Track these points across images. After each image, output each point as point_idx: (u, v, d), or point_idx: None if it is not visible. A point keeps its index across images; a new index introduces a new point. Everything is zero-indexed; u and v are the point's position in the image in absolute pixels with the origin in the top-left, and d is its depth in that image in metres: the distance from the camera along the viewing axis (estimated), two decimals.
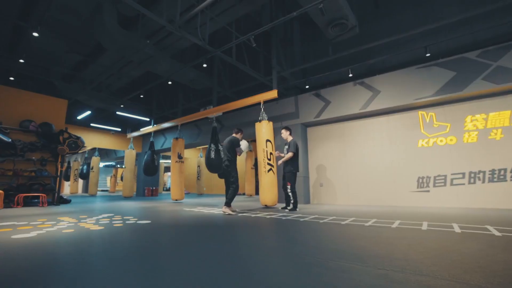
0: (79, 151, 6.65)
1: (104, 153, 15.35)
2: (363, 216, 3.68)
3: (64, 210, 4.95)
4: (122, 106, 8.45)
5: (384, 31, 5.97)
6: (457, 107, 5.09)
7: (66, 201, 6.86)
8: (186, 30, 4.84)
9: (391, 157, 5.68)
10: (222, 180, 4.87)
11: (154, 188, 12.75)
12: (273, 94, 5.68)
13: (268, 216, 3.77)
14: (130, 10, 5.26)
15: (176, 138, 7.92)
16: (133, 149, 10.28)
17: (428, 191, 5.17)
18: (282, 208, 4.88)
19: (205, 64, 5.51)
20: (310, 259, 1.55)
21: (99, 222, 3.20)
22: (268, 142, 5.38)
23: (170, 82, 6.60)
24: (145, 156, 9.18)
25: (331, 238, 2.19)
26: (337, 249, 1.79)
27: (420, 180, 5.28)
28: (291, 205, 4.69)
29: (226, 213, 4.15)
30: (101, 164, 22.04)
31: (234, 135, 4.75)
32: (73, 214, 4.10)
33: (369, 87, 5.83)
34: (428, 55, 4.95)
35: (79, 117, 9.18)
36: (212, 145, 6.83)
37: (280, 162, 4.94)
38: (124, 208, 5.30)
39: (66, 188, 17.60)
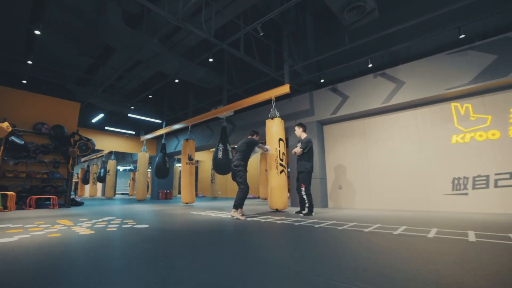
0: (90, 153, 6.64)
1: (121, 157, 15.67)
2: (390, 222, 3.18)
3: (71, 212, 4.86)
4: (132, 107, 8.45)
5: (407, 13, 5.40)
6: (500, 96, 4.41)
7: (78, 204, 6.88)
8: (192, 25, 4.62)
9: (421, 155, 5.07)
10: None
11: (168, 191, 12.75)
12: (285, 89, 5.30)
13: (280, 221, 3.37)
14: (134, 7, 5.15)
15: (187, 140, 7.75)
16: (146, 151, 10.29)
17: (466, 193, 4.51)
18: (297, 213, 4.47)
19: (212, 59, 5.28)
20: (323, 281, 1.15)
21: (94, 226, 2.98)
22: (280, 141, 4.99)
23: (177, 80, 6.42)
24: (157, 158, 9.12)
25: (352, 250, 1.77)
26: (359, 266, 1.37)
27: (456, 181, 4.63)
28: (306, 209, 4.26)
29: (235, 217, 3.81)
30: (120, 168, 22.65)
31: (250, 137, 4.42)
32: (75, 217, 3.95)
33: (391, 79, 5.27)
34: (462, 36, 4.35)
35: (93, 120, 9.33)
36: (220, 145, 6.58)
37: (293, 152, 4.54)
38: (130, 211, 5.13)
39: (86, 191, 18.21)
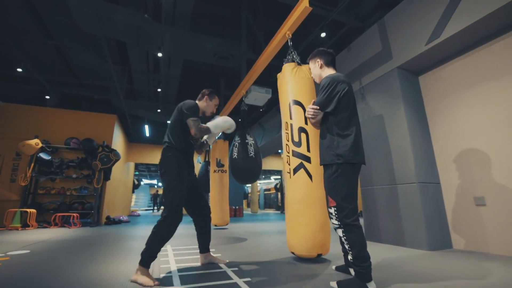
0: (112, 165, 6.18)
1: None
2: None
3: (78, 234, 4.11)
4: (159, 110, 7.84)
5: None
6: None
7: (113, 222, 6.51)
8: None
9: None
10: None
11: (237, 207, 11.56)
12: (301, 9, 2.77)
13: None
14: None
15: (215, 140, 6.19)
16: (200, 162, 9.50)
17: None
18: (337, 269, 1.85)
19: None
20: None
21: None
22: (297, 107, 2.48)
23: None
24: (200, 168, 8.04)
25: None
26: None
27: None
28: (351, 259, 1.53)
29: (137, 283, 1.66)
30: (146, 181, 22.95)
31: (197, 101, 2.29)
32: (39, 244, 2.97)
33: None
34: None
35: (147, 134, 9.47)
36: (237, 138, 4.54)
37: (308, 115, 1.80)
38: (117, 234, 3.90)
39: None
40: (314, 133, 2.37)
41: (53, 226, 5.45)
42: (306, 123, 2.40)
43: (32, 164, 5.66)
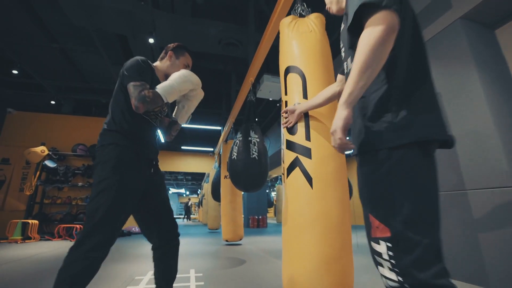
0: None
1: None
2: None
3: (53, 249, 3.71)
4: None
5: None
6: None
7: (123, 234, 6.12)
8: None
9: None
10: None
11: (260, 217, 10.71)
12: None
13: None
14: None
15: (226, 141, 5.51)
16: (216, 168, 8.91)
17: None
18: None
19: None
20: None
21: None
22: (293, 76, 1.62)
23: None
24: (214, 174, 7.41)
25: None
26: None
27: None
28: None
29: None
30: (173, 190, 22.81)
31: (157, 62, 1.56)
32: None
33: None
34: None
35: (163, 140, 9.15)
36: (239, 135, 3.75)
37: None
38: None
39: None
40: (318, 112, 1.48)
41: (57, 239, 5.17)
42: (305, 96, 1.53)
43: (38, 172, 5.51)
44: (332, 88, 1.18)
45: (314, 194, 1.31)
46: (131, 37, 4.75)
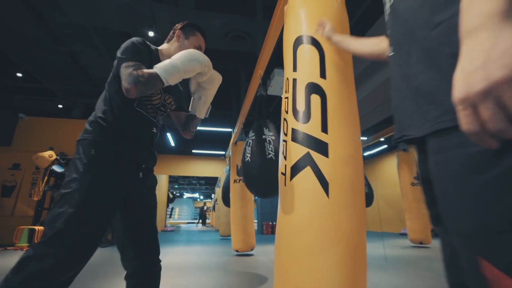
0: None
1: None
2: None
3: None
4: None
5: None
6: None
7: None
8: None
9: None
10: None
11: (274, 223, 10.24)
12: None
13: None
14: None
15: (235, 143, 5.18)
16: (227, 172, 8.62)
17: None
18: None
19: None
20: None
21: None
22: (309, 48, 1.24)
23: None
24: (225, 178, 7.12)
25: None
26: None
27: None
28: None
29: None
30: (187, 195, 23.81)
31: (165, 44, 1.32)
32: None
33: None
34: None
35: (172, 144, 8.97)
36: (251, 134, 3.37)
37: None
38: None
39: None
40: (337, 94, 1.09)
41: None
42: (323, 75, 1.14)
43: (46, 178, 5.44)
44: (379, 39, 0.84)
45: (331, 205, 0.92)
46: (133, 35, 4.58)
